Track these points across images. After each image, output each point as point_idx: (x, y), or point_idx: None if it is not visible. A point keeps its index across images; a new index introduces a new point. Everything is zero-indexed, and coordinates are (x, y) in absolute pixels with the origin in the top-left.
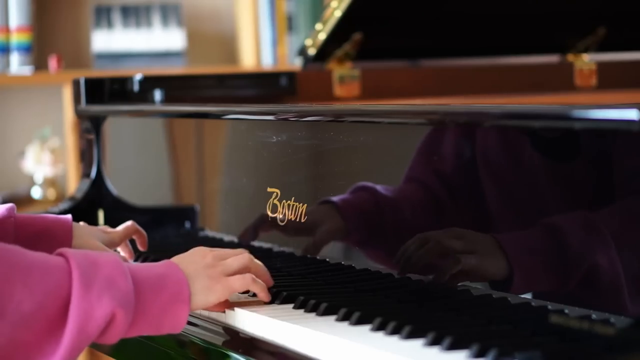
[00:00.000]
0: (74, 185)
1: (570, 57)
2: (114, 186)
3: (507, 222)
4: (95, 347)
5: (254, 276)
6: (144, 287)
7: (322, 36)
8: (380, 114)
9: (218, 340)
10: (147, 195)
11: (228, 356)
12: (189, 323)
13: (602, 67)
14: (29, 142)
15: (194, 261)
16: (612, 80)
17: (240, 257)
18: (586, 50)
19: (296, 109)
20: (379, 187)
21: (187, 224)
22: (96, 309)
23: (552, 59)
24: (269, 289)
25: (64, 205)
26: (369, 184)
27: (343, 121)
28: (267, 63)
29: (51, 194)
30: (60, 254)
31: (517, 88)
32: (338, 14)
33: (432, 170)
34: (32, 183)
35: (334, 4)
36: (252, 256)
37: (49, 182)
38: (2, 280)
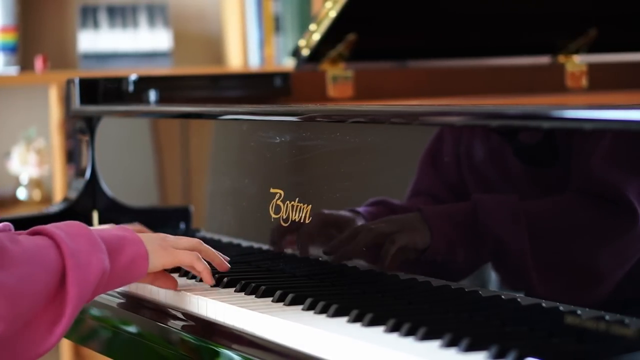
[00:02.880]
0: (60, 186)
1: (561, 59)
2: (108, 187)
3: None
4: (88, 345)
5: (199, 256)
6: (110, 248)
7: (316, 37)
8: (386, 115)
9: (215, 339)
10: (142, 196)
11: (219, 353)
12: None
13: (592, 68)
14: (15, 143)
15: (150, 235)
16: (603, 81)
17: (192, 239)
18: (577, 51)
19: (302, 110)
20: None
21: (182, 225)
22: (88, 274)
23: (544, 60)
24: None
25: (59, 206)
26: (384, 198)
27: (350, 122)
28: (254, 64)
29: (37, 194)
30: (40, 232)
31: (509, 89)
32: (333, 14)
33: (437, 179)
34: (18, 184)
35: (328, 5)
36: (202, 242)
37: (35, 183)
38: (23, 262)
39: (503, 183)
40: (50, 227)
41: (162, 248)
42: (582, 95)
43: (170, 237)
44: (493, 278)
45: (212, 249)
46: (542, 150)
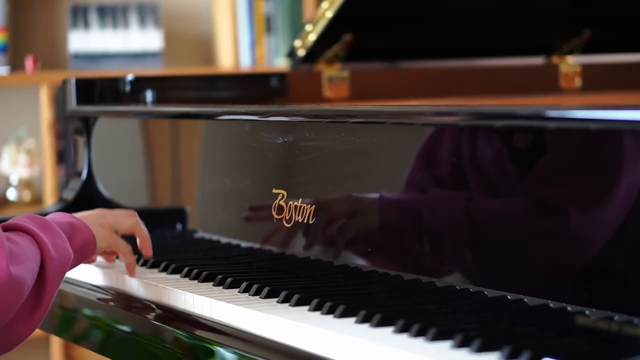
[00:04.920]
0: (50, 186)
1: (555, 59)
2: (105, 187)
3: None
4: (81, 344)
5: (131, 250)
6: (66, 236)
7: (312, 37)
8: (391, 115)
9: (220, 341)
10: (138, 196)
11: (213, 352)
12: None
13: (586, 69)
14: (5, 144)
15: (90, 214)
16: (596, 82)
17: (130, 219)
18: (571, 52)
19: (306, 110)
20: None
21: (179, 226)
22: (61, 264)
23: (538, 60)
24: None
25: (56, 206)
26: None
27: (354, 122)
28: (245, 64)
29: (27, 195)
30: (14, 227)
31: (503, 90)
32: (329, 14)
33: (428, 173)
34: (8, 184)
35: (324, 5)
36: (139, 221)
37: (25, 184)
38: (27, 258)
39: (492, 182)
40: (21, 222)
41: (104, 229)
42: (576, 96)
43: (109, 215)
44: (496, 277)
45: (147, 233)
46: (538, 150)
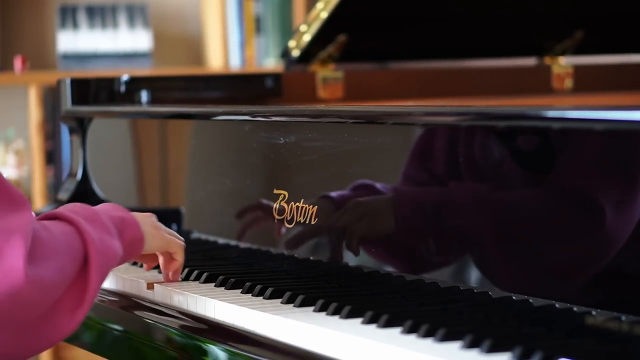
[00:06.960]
0: (39, 187)
1: (547, 60)
2: (100, 188)
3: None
4: (76, 343)
5: (181, 253)
6: (117, 229)
7: (306, 37)
8: (393, 116)
9: (224, 341)
10: (133, 197)
11: (206, 350)
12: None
13: (578, 70)
14: None
15: (141, 214)
16: (588, 83)
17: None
18: (563, 53)
19: (309, 110)
20: (378, 185)
21: (174, 227)
22: (107, 260)
23: (530, 61)
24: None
25: (51, 207)
26: (368, 181)
27: (358, 122)
28: (235, 65)
29: None
30: (57, 217)
31: (495, 90)
32: (324, 15)
33: (423, 169)
34: None
35: (319, 5)
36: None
37: (14, 184)
38: (56, 253)
39: (496, 182)
40: (68, 212)
41: (156, 229)
42: (568, 96)
43: (159, 222)
44: (501, 278)
45: (182, 259)
46: (541, 151)
